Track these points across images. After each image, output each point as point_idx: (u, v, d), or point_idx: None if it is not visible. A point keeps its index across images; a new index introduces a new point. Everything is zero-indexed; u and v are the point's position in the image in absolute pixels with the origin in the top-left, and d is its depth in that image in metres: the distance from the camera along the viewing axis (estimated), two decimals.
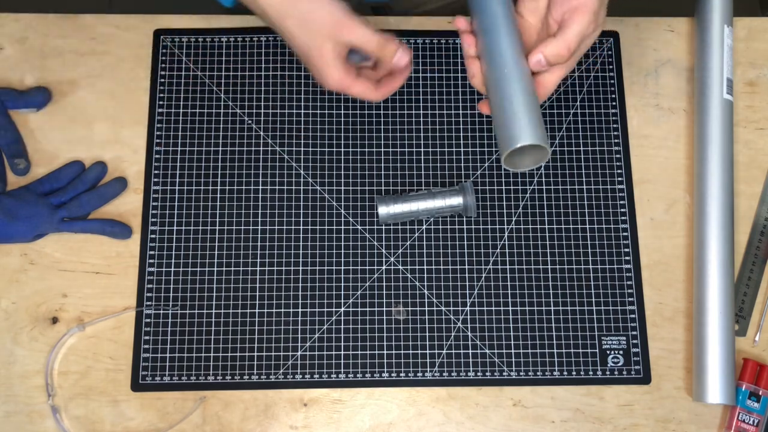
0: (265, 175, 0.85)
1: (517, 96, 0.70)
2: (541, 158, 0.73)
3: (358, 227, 0.84)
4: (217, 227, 0.84)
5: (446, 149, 0.87)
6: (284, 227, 0.84)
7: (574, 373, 0.81)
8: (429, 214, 0.83)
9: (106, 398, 0.79)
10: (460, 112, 0.88)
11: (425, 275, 0.83)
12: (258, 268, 0.83)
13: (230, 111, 0.87)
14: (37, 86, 0.86)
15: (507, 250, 0.84)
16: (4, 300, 0.81)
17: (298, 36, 0.72)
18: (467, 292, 0.83)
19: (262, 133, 0.87)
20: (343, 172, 0.86)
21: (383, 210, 0.83)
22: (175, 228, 0.84)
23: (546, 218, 0.85)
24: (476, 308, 0.82)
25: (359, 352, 0.81)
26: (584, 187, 0.86)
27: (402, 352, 0.81)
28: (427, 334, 0.82)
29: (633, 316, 0.83)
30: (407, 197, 0.83)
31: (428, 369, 0.81)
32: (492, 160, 0.87)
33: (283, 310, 0.82)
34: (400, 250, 0.84)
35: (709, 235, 0.82)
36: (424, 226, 0.85)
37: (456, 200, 0.83)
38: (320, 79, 0.74)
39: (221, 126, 0.87)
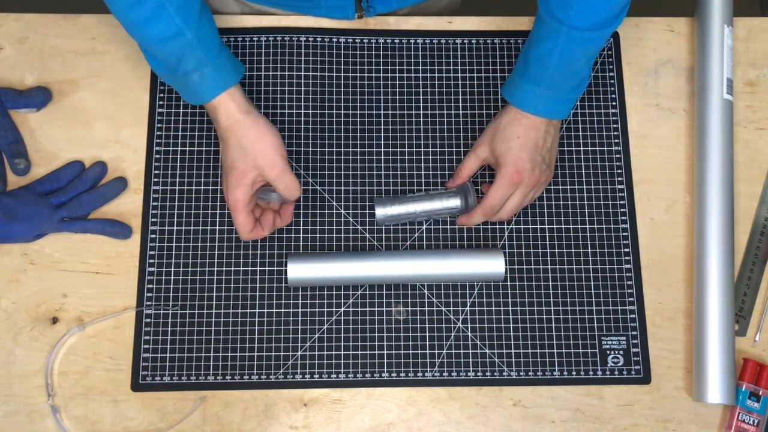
0: None
1: None
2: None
3: (358, 227, 0.84)
4: (217, 227, 0.84)
5: (446, 149, 0.87)
6: (284, 228, 0.84)
7: (574, 373, 0.81)
8: (427, 215, 0.83)
9: (106, 398, 0.79)
10: (460, 112, 0.88)
11: None
12: (258, 268, 0.83)
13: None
14: (37, 86, 0.86)
15: (507, 250, 0.84)
16: (4, 300, 0.81)
17: (233, 152, 0.77)
18: (467, 292, 0.83)
19: None
20: (343, 172, 0.86)
21: (380, 212, 0.82)
22: (175, 228, 0.84)
23: (546, 218, 0.85)
24: (476, 308, 0.82)
25: (359, 352, 0.81)
26: (584, 187, 0.86)
27: (402, 352, 0.81)
28: (427, 334, 0.82)
29: (633, 316, 0.83)
30: (405, 199, 0.83)
31: (428, 369, 0.81)
32: None
33: (283, 310, 0.82)
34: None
35: (709, 235, 0.82)
36: (424, 226, 0.85)
37: (454, 202, 0.82)
38: (225, 190, 0.78)
39: None
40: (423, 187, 0.86)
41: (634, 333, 0.82)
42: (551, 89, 0.79)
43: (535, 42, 0.79)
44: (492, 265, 0.81)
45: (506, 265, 0.83)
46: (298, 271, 0.79)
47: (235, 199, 0.77)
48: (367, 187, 0.86)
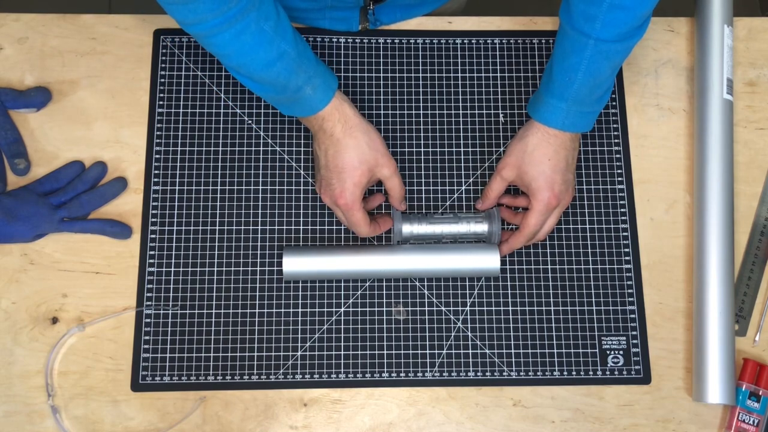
0: (265, 175, 0.85)
1: None
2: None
3: None
4: (217, 227, 0.84)
5: (446, 149, 0.87)
6: (284, 227, 0.84)
7: (574, 373, 0.81)
8: (452, 237, 0.82)
9: (106, 398, 0.79)
10: (460, 112, 0.88)
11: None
12: (258, 268, 0.83)
13: (230, 111, 0.87)
14: (37, 86, 0.86)
15: None
16: (4, 300, 0.81)
17: (350, 152, 0.77)
18: (467, 292, 0.83)
19: (262, 133, 0.87)
20: None
21: (407, 228, 0.81)
22: (175, 228, 0.83)
23: None
24: (476, 308, 0.82)
25: (359, 352, 0.81)
26: (584, 187, 0.86)
27: (402, 352, 0.81)
28: (427, 334, 0.82)
29: (633, 316, 0.83)
30: (432, 219, 0.82)
31: (428, 369, 0.81)
32: (492, 160, 0.87)
33: (283, 310, 0.82)
34: None
35: (709, 235, 0.82)
36: None
37: (482, 227, 0.81)
38: (335, 192, 0.78)
39: (221, 126, 0.87)
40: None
41: (634, 333, 0.82)
42: (577, 104, 0.78)
43: (559, 57, 0.78)
44: (487, 260, 0.80)
45: (502, 263, 0.83)
46: (294, 264, 0.79)
47: (354, 198, 0.77)
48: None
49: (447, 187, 0.86)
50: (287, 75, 0.75)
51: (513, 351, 0.81)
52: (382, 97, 0.88)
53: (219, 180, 0.85)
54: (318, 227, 0.84)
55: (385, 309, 0.82)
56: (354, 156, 0.77)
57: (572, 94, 0.77)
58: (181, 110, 0.87)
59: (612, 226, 0.85)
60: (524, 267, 0.84)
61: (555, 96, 0.79)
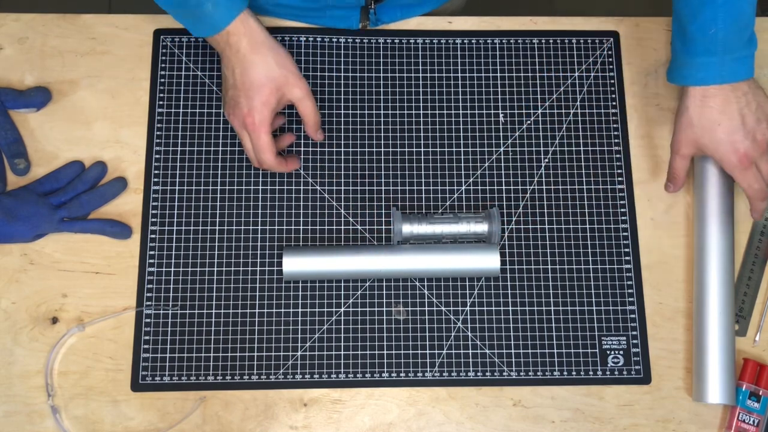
0: (265, 175, 0.85)
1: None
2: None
3: (358, 227, 0.84)
4: (217, 227, 0.84)
5: (446, 149, 0.87)
6: (284, 227, 0.84)
7: (574, 373, 0.81)
8: (452, 238, 0.82)
9: (106, 398, 0.79)
10: (460, 112, 0.88)
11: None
12: (258, 268, 0.83)
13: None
14: (37, 86, 0.86)
15: (507, 250, 0.84)
16: (4, 300, 0.81)
17: (258, 70, 0.75)
18: (467, 292, 0.83)
19: None
20: (343, 173, 0.86)
21: (407, 228, 0.81)
22: (175, 228, 0.83)
23: (546, 218, 0.85)
24: (476, 308, 0.82)
25: (359, 352, 0.81)
26: (584, 187, 0.86)
27: (402, 352, 0.81)
28: (427, 334, 0.82)
29: (633, 316, 0.83)
30: (432, 219, 0.81)
31: (428, 369, 0.81)
32: (492, 160, 0.87)
33: (283, 310, 0.82)
34: None
35: (709, 234, 0.82)
36: None
37: (482, 227, 0.81)
38: (242, 114, 0.76)
39: (221, 126, 0.87)
40: (425, 187, 0.86)
41: (634, 333, 0.82)
42: (728, 52, 0.74)
43: (689, 17, 0.75)
44: (487, 260, 0.80)
45: (503, 263, 0.83)
46: (294, 264, 0.79)
47: (262, 118, 0.76)
48: (366, 187, 0.86)
49: (447, 187, 0.86)
50: None
51: (513, 351, 0.81)
52: (382, 97, 0.88)
53: (219, 180, 0.85)
54: (318, 227, 0.84)
55: (385, 309, 0.82)
56: (262, 73, 0.75)
57: (720, 46, 0.74)
58: (181, 110, 0.87)
59: (612, 226, 0.85)
60: (524, 267, 0.84)
61: (701, 54, 0.75)
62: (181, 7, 0.76)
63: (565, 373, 0.81)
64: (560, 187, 0.86)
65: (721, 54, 0.75)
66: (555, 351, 0.82)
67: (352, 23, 0.89)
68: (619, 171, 0.87)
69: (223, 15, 0.75)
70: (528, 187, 0.86)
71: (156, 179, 0.85)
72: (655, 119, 0.89)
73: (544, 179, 0.86)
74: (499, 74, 0.90)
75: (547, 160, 0.87)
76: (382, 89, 0.89)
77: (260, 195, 0.85)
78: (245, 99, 0.76)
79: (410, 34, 0.91)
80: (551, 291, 0.83)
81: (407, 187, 0.86)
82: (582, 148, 0.87)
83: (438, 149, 0.87)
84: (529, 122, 0.88)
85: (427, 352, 0.81)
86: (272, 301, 0.82)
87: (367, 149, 0.87)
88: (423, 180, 0.86)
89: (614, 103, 0.89)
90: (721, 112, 0.75)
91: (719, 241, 0.82)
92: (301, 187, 0.85)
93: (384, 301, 0.82)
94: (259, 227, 0.84)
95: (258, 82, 0.76)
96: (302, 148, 0.86)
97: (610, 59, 0.91)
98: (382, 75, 0.89)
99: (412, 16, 0.91)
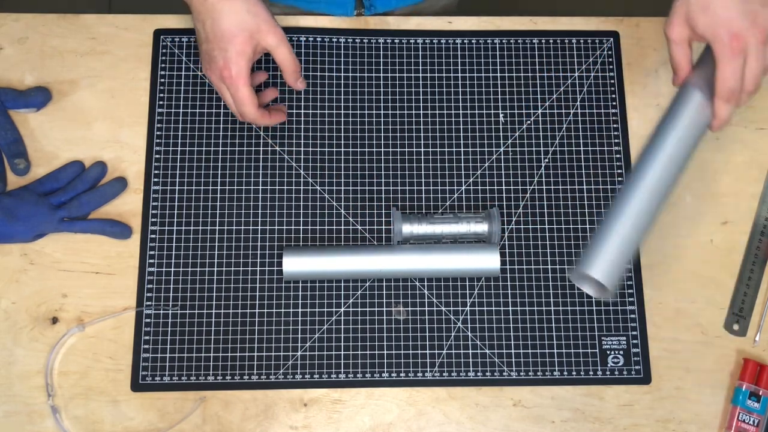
0: (265, 175, 0.85)
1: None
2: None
3: (358, 227, 0.84)
4: (217, 227, 0.84)
5: (446, 149, 0.87)
6: (284, 227, 0.84)
7: (574, 373, 0.81)
8: (452, 238, 0.82)
9: (106, 398, 0.79)
10: (460, 112, 0.88)
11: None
12: (258, 268, 0.83)
13: (230, 111, 0.87)
14: (37, 86, 0.86)
15: (507, 250, 0.84)
16: (4, 300, 0.81)
17: (230, 19, 0.73)
18: (467, 292, 0.83)
19: (262, 133, 0.87)
20: (343, 173, 0.86)
21: (407, 228, 0.81)
22: (175, 228, 0.84)
23: (546, 218, 0.85)
24: (476, 308, 0.82)
25: (359, 352, 0.81)
26: (584, 187, 0.86)
27: (402, 352, 0.81)
28: (427, 334, 0.82)
29: (633, 316, 0.83)
30: (432, 219, 0.81)
31: (428, 369, 0.81)
32: (492, 160, 0.87)
33: (283, 310, 0.82)
34: None
35: (661, 151, 0.73)
36: None
37: (482, 227, 0.81)
38: (219, 66, 0.74)
39: (221, 126, 0.87)
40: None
41: (634, 333, 0.82)
42: None
43: None
44: (487, 260, 0.80)
45: (503, 263, 0.83)
46: (294, 264, 0.79)
47: (239, 69, 0.74)
48: (366, 187, 0.86)
49: (447, 187, 0.86)
50: None
51: (513, 351, 0.81)
52: (382, 97, 0.88)
53: (219, 180, 0.85)
54: (318, 227, 0.84)
55: (385, 309, 0.82)
56: (233, 22, 0.73)
57: None
58: (181, 110, 0.87)
59: None
60: (524, 267, 0.84)
61: None
62: None
63: (565, 373, 0.81)
64: (560, 187, 0.86)
65: None
66: (555, 351, 0.82)
67: (348, 10, 0.88)
68: (619, 171, 0.87)
69: None
70: (528, 187, 0.86)
71: (156, 179, 0.85)
72: (655, 119, 0.89)
73: (544, 179, 0.86)
74: (499, 74, 0.90)
75: (547, 160, 0.87)
76: (382, 89, 0.89)
77: (260, 195, 0.85)
78: (219, 51, 0.74)
79: (410, 34, 0.91)
80: (551, 291, 0.83)
81: (407, 187, 0.86)
82: (582, 148, 0.87)
83: (438, 149, 0.87)
84: (529, 122, 0.88)
85: (427, 352, 0.81)
86: (272, 301, 0.82)
87: (367, 149, 0.87)
88: (423, 180, 0.86)
89: (614, 103, 0.89)
90: None
91: (665, 161, 0.73)
92: (301, 187, 0.85)
93: (384, 301, 0.82)
94: (259, 227, 0.84)
95: (230, 32, 0.74)
96: (302, 148, 0.86)
97: (610, 59, 0.91)
98: (382, 75, 0.89)
99: (407, 5, 0.91)
